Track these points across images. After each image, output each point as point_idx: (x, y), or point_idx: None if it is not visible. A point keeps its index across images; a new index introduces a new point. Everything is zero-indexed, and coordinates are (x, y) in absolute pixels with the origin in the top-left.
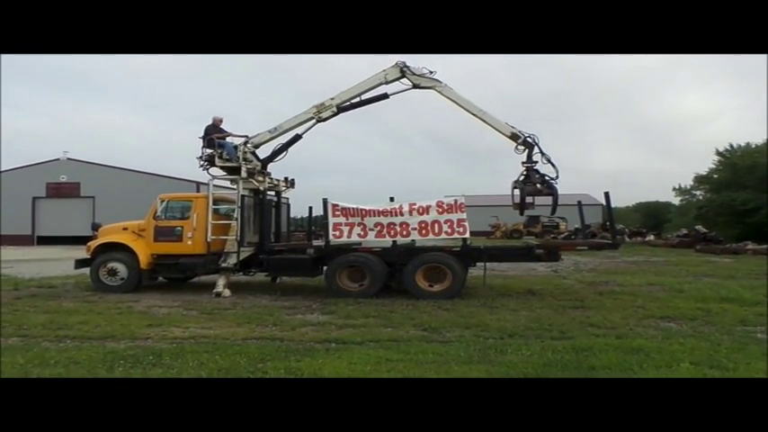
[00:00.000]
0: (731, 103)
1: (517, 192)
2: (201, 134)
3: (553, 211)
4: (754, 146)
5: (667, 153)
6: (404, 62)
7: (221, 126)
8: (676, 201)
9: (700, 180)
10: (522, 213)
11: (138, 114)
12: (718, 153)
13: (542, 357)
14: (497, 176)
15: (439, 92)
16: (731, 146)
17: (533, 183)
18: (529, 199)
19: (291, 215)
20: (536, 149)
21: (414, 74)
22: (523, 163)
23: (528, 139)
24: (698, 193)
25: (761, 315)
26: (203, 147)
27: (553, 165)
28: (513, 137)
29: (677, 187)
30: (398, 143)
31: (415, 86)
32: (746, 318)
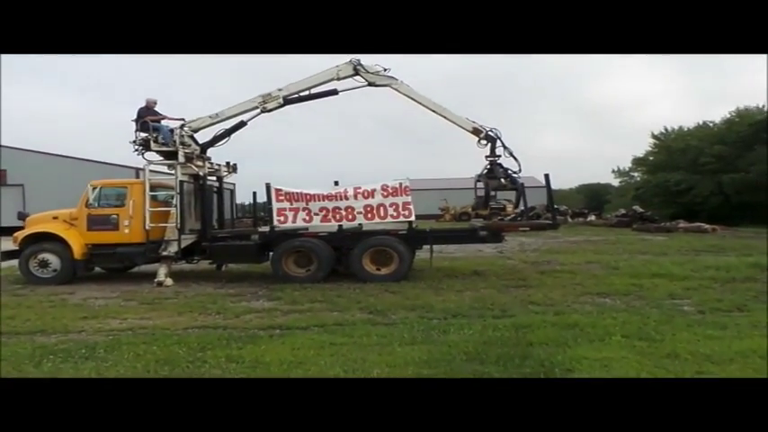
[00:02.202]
0: (669, 87)
1: (481, 185)
2: (134, 117)
3: (517, 205)
4: (686, 129)
5: (608, 136)
6: (358, 60)
7: (155, 108)
8: (616, 182)
9: (637, 162)
10: (486, 208)
11: (71, 96)
12: (654, 136)
13: (483, 336)
14: (447, 160)
15: (395, 89)
16: (665, 129)
17: (497, 177)
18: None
19: (240, 201)
20: (498, 143)
21: (368, 72)
22: (487, 157)
23: (490, 133)
24: (636, 174)
25: (688, 289)
26: (136, 130)
27: (515, 158)
28: (475, 131)
29: (616, 169)
30: (348, 127)
31: (371, 84)
32: (675, 292)
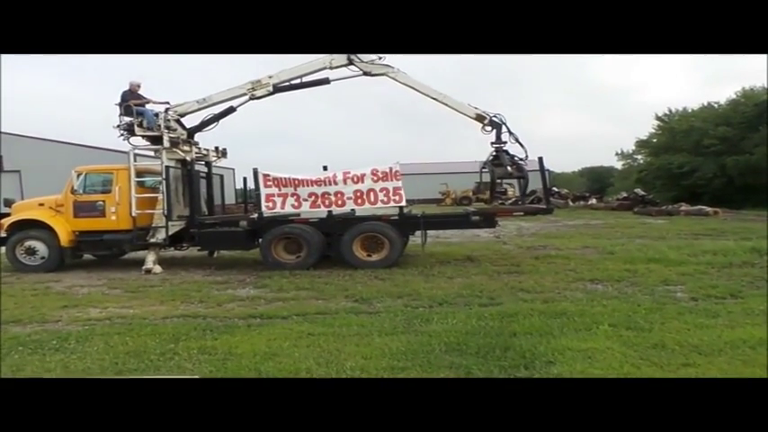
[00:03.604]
0: (674, 67)
1: (487, 172)
2: (118, 101)
3: (524, 194)
4: (690, 110)
5: (613, 118)
6: None
7: (139, 92)
8: (619, 165)
9: (640, 144)
10: (492, 197)
11: (69, 80)
12: (658, 118)
13: (466, 325)
14: (449, 143)
15: (392, 78)
16: (670, 110)
17: (504, 165)
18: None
19: (240, 187)
20: (504, 129)
21: (362, 61)
22: (492, 144)
23: (494, 119)
24: (639, 157)
25: (683, 275)
26: (120, 114)
27: (521, 144)
28: (479, 118)
29: (620, 152)
30: (347, 109)
31: (366, 73)
32: (669, 278)
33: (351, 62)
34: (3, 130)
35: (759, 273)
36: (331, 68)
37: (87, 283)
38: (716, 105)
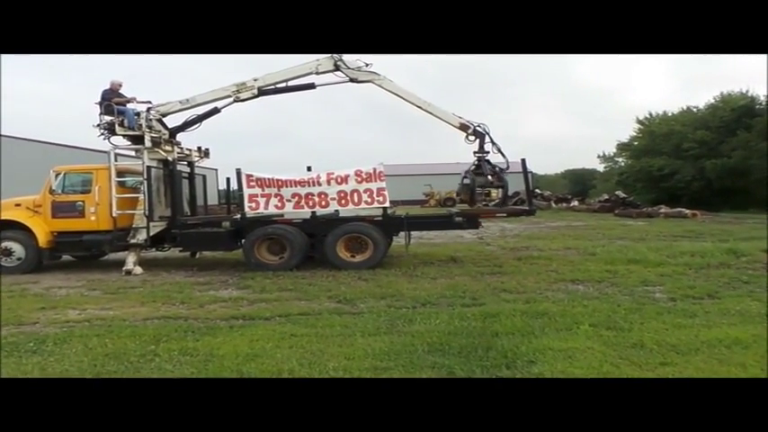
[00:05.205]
0: (656, 70)
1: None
2: (98, 100)
3: (503, 203)
4: (670, 114)
5: (595, 121)
6: (339, 56)
7: (120, 91)
8: (601, 167)
9: (621, 147)
10: (472, 204)
11: (48, 78)
12: (639, 121)
13: (449, 325)
14: (434, 145)
15: (378, 85)
16: (650, 114)
17: (485, 174)
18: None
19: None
20: (487, 139)
21: (348, 68)
22: (475, 153)
23: (478, 128)
24: (620, 160)
25: (662, 275)
26: (101, 114)
27: (503, 154)
28: (463, 127)
29: (601, 155)
30: (333, 110)
31: (352, 80)
32: (648, 278)
33: (337, 68)
34: None
35: (735, 273)
36: (317, 74)
37: (66, 285)
38: (695, 109)
